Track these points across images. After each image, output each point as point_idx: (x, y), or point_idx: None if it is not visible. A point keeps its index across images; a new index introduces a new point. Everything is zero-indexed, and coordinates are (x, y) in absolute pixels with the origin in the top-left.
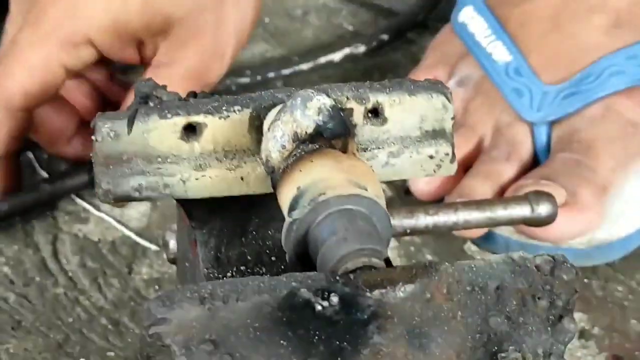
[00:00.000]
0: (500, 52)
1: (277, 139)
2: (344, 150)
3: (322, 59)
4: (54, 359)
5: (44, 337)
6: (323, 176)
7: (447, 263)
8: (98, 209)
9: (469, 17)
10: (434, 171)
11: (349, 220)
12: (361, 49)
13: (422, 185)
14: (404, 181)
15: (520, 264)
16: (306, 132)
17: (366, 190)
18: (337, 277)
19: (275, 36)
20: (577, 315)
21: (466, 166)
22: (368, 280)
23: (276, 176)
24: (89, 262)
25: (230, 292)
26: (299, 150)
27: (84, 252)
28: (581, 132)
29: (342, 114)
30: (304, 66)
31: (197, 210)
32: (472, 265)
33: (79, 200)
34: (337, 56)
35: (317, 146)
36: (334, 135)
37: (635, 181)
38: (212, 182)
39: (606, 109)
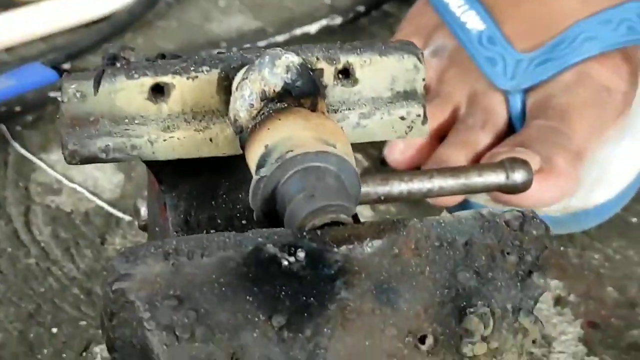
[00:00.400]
0: (473, 21)
1: (245, 97)
2: (313, 109)
3: (298, 31)
4: (25, 329)
5: (15, 307)
6: (291, 134)
7: (415, 219)
8: (71, 181)
9: None
10: (406, 132)
11: (317, 177)
12: (337, 20)
13: (398, 155)
14: (380, 151)
15: (489, 220)
16: (274, 91)
17: (335, 147)
18: (304, 233)
19: (251, 8)
20: (553, 283)
21: (441, 136)
22: (335, 236)
23: (244, 135)
24: (61, 232)
25: (195, 248)
26: (267, 109)
27: (57, 223)
28: (555, 98)
29: (311, 72)
30: (280, 38)
31: (166, 174)
32: (441, 221)
33: (51, 172)
34: (313, 28)
35: (286, 105)
36: (302, 94)
37: (611, 148)
38: (180, 143)
39: (580, 74)
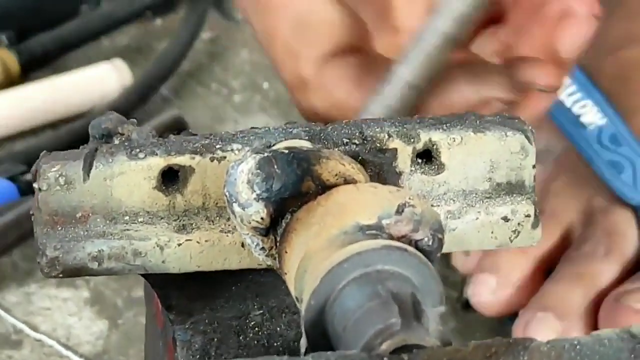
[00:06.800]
0: (590, 114)
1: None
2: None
3: None
4: None
5: None
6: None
7: (537, 339)
8: (35, 329)
9: None
10: (510, 239)
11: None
12: None
13: (487, 295)
14: (460, 291)
15: None
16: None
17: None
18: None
19: (276, 105)
20: None
21: (548, 268)
22: None
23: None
24: None
25: None
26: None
27: None
28: None
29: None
30: None
31: (177, 297)
32: (575, 342)
33: (8, 318)
34: None
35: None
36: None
37: None
38: (200, 249)
39: None
